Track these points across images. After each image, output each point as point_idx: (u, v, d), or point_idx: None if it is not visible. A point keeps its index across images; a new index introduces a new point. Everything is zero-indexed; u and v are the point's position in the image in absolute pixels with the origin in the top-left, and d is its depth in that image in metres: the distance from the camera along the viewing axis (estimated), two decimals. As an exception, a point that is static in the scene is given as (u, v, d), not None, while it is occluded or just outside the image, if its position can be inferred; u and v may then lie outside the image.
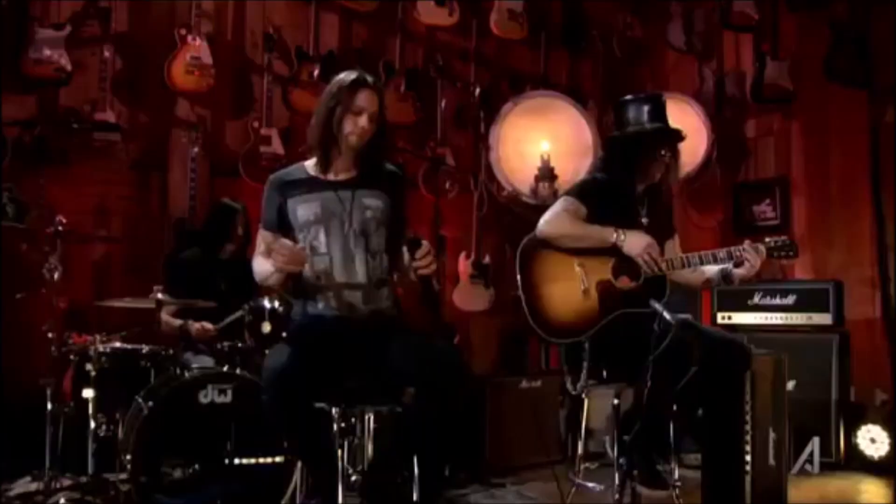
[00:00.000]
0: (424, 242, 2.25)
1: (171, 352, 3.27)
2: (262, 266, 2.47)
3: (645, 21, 5.86)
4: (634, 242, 2.62)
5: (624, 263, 2.67)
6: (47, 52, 4.01)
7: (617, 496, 2.59)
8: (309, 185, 2.52)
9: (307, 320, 2.44)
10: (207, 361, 3.36)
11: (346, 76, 2.51)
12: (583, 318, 2.63)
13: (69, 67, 4.04)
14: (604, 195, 2.71)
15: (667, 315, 2.34)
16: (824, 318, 4.21)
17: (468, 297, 5.15)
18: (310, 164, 2.59)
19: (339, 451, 2.19)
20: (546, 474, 3.92)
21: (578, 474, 2.83)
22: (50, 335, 3.02)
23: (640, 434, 2.50)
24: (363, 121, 2.44)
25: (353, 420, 2.28)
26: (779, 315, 4.32)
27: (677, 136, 2.83)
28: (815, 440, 3.05)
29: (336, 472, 2.18)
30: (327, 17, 4.87)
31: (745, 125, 5.56)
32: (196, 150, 4.32)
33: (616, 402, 2.68)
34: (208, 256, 3.84)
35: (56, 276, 3.02)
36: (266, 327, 3.07)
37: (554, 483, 3.61)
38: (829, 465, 4.05)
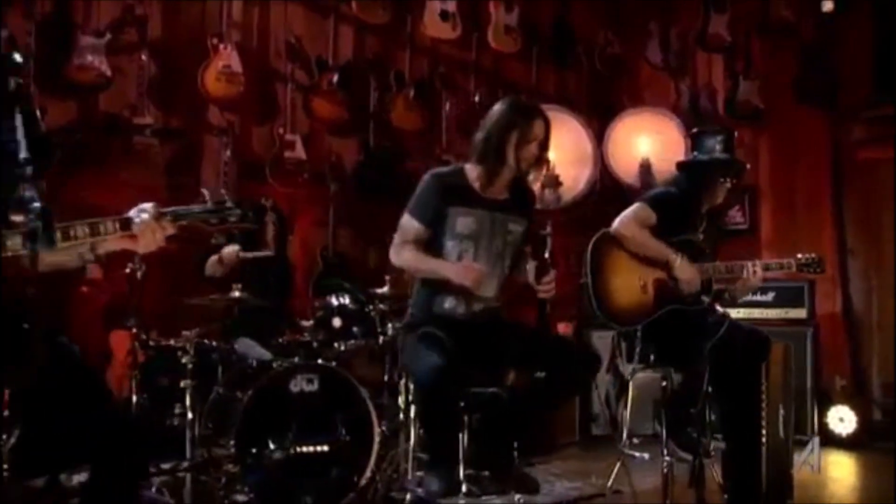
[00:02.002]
0: (552, 271, 2.55)
1: (234, 345, 3.50)
2: (412, 261, 2.72)
3: (624, 38, 6.33)
4: (684, 270, 3.00)
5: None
6: (90, 58, 4.15)
7: (666, 465, 2.99)
8: (471, 199, 2.73)
9: (433, 317, 2.71)
10: (265, 354, 3.59)
11: (522, 102, 2.78)
12: (640, 309, 3.03)
13: (109, 73, 4.19)
14: (673, 208, 3.11)
15: (720, 310, 2.75)
16: (800, 314, 4.75)
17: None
18: (471, 175, 2.78)
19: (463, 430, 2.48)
20: (566, 454, 4.33)
21: (626, 447, 3.22)
22: (133, 330, 3.20)
23: (690, 410, 2.90)
24: (534, 148, 2.69)
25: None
26: (759, 311, 4.83)
27: (742, 167, 3.26)
28: (816, 440, 3.24)
29: (458, 448, 2.47)
30: (343, 29, 5.13)
31: (716, 137, 6.08)
32: (227, 154, 4.53)
33: (664, 383, 3.09)
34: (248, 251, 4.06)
35: (139, 275, 3.20)
36: (337, 322, 3.34)
37: (573, 461, 4.03)
38: (804, 441, 4.58)
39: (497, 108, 2.82)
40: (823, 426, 4.66)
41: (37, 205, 1.45)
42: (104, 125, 4.23)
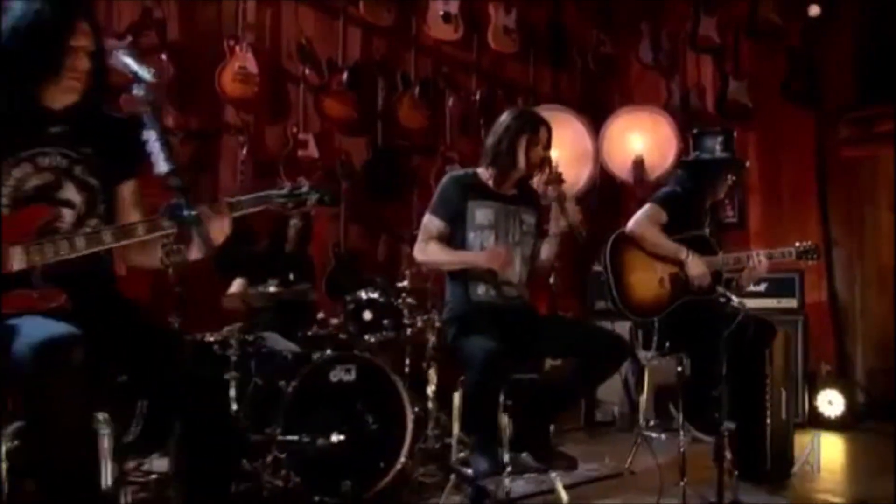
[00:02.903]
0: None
1: (262, 337, 3.65)
2: (439, 255, 2.96)
3: (615, 39, 6.55)
4: (695, 267, 3.29)
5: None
6: (111, 60, 4.24)
7: (683, 446, 3.22)
8: (486, 193, 3.03)
9: (473, 305, 2.94)
10: (293, 347, 3.75)
11: (528, 111, 3.15)
12: (657, 301, 3.26)
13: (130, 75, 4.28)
14: (681, 206, 3.37)
15: (735, 300, 2.97)
16: (791, 303, 5.01)
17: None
18: (483, 174, 3.09)
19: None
20: (575, 438, 4.55)
21: (644, 427, 3.45)
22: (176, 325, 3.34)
23: (711, 393, 3.12)
24: (541, 150, 2.99)
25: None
26: (753, 301, 5.06)
27: (742, 164, 3.49)
28: (817, 437, 3.44)
29: (497, 432, 2.67)
30: (351, 31, 5.28)
31: (706, 135, 6.34)
32: (244, 152, 4.66)
33: (680, 368, 3.31)
34: (274, 248, 4.21)
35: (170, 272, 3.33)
36: (367, 315, 3.51)
37: (583, 445, 4.25)
38: (796, 424, 4.84)
39: (505, 116, 3.13)
40: (813, 409, 4.93)
41: (191, 213, 1.59)
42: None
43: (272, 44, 5.02)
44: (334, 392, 3.19)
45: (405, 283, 3.79)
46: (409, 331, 3.60)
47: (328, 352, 3.28)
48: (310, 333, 3.69)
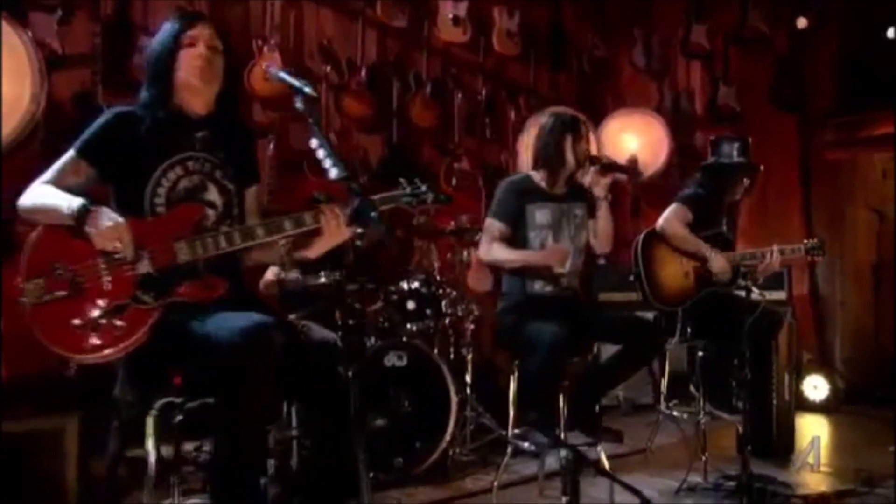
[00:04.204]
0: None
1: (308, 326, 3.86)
2: (503, 255, 3.23)
3: (609, 43, 6.86)
4: (717, 263, 3.62)
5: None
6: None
7: (703, 424, 3.54)
8: (543, 196, 3.31)
9: (530, 298, 3.22)
10: (330, 334, 3.96)
11: (565, 113, 3.44)
12: (683, 292, 3.59)
13: (166, 72, 4.45)
14: (703, 206, 3.69)
15: (756, 292, 3.29)
16: (780, 296, 5.37)
17: (478, 279, 5.96)
18: (535, 176, 3.37)
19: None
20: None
21: (663, 407, 3.78)
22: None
23: (724, 377, 3.45)
24: (584, 144, 3.30)
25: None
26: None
27: (756, 168, 3.82)
28: (817, 439, 3.62)
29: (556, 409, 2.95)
30: (368, 32, 5.47)
31: (695, 136, 6.71)
32: (271, 149, 4.84)
33: (700, 353, 3.64)
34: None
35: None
36: (411, 305, 3.75)
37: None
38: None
39: (547, 122, 3.43)
40: (800, 393, 5.32)
41: (373, 214, 1.81)
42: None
43: (296, 44, 5.19)
44: (387, 376, 3.43)
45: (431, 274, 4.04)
46: (447, 320, 3.85)
47: (377, 341, 3.51)
48: (351, 322, 3.90)
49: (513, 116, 6.23)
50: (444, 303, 3.83)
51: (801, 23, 5.70)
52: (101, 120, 2.22)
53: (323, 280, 3.65)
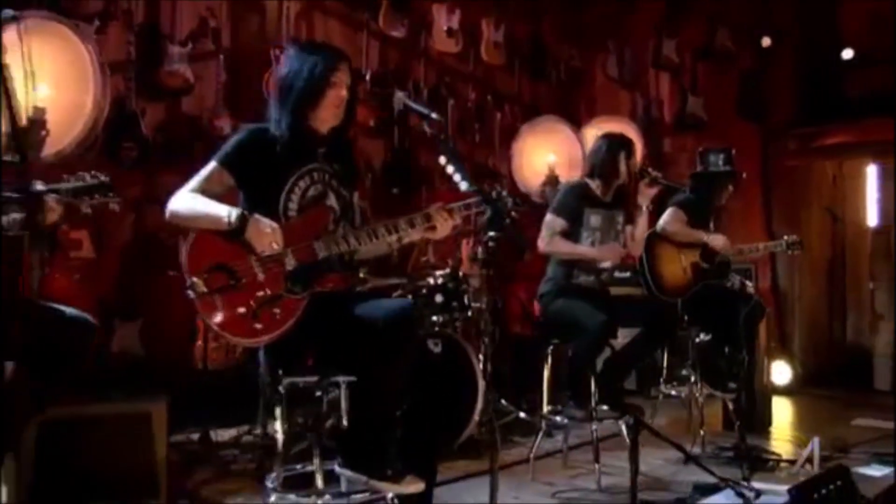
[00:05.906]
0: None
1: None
2: (564, 247, 3.68)
3: (584, 54, 7.33)
4: (716, 240, 4.13)
5: (705, 253, 4.12)
6: (177, 66, 4.66)
7: (701, 401, 4.01)
8: (597, 202, 3.77)
9: (575, 287, 3.67)
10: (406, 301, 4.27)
11: (616, 134, 3.89)
12: (682, 285, 4.07)
13: (192, 79, 4.71)
14: (695, 209, 4.20)
15: (749, 285, 3.78)
16: (749, 289, 5.92)
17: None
18: (591, 184, 3.82)
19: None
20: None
21: (663, 387, 4.26)
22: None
23: (718, 359, 3.93)
24: (635, 159, 3.79)
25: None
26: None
27: (740, 176, 4.33)
28: (816, 440, 3.61)
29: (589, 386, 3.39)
30: (371, 42, 5.80)
31: (663, 142, 7.24)
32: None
33: (697, 339, 4.11)
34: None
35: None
36: (439, 298, 4.11)
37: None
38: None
39: (601, 141, 3.92)
40: (767, 377, 5.88)
41: (511, 221, 2.18)
42: (188, 127, 4.75)
43: (306, 53, 5.48)
44: (426, 361, 3.80)
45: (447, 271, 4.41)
46: (469, 312, 4.22)
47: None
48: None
49: (499, 121, 6.61)
50: (466, 297, 4.19)
51: (766, 41, 6.27)
52: (239, 136, 2.52)
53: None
